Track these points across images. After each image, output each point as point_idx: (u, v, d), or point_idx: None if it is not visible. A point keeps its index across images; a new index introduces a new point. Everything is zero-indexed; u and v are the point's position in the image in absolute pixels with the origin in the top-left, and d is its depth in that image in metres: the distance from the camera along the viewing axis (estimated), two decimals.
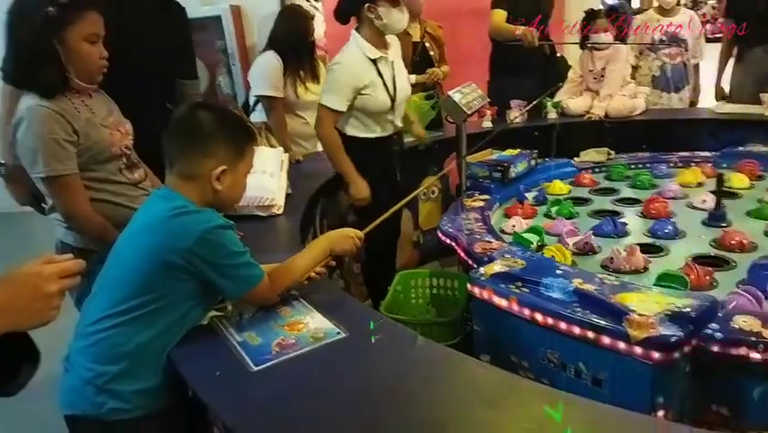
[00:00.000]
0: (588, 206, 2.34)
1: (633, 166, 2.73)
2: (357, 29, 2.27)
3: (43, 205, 1.74)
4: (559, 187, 2.51)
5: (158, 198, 1.22)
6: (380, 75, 2.25)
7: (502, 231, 2.08)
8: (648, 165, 2.72)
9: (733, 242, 1.78)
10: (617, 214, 2.17)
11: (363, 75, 2.22)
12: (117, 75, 1.59)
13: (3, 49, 1.52)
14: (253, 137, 1.30)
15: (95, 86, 1.59)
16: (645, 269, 1.70)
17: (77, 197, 1.52)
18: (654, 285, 1.50)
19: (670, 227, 1.93)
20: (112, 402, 1.12)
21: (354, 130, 2.34)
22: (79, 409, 1.15)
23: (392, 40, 2.37)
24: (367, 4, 2.17)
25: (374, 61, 2.24)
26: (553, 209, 2.22)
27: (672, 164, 2.74)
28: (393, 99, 2.30)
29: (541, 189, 2.54)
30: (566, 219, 2.09)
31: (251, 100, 2.93)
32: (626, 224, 2.04)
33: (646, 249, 1.79)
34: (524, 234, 1.91)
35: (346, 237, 1.40)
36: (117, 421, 1.12)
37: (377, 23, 2.19)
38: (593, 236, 1.89)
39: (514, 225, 2.10)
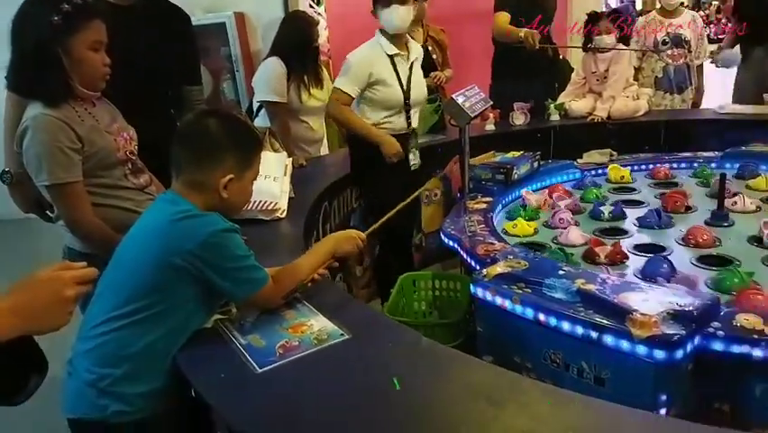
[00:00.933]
0: (631, 194, 2.43)
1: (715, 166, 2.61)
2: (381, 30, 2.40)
3: (48, 212, 1.76)
4: (621, 174, 2.60)
5: (163, 202, 1.24)
6: (396, 71, 2.31)
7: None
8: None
9: (690, 237, 1.86)
10: (641, 203, 2.28)
11: (377, 65, 2.32)
12: (121, 83, 1.61)
13: (8, 57, 1.54)
14: (260, 145, 1.32)
15: (98, 93, 1.61)
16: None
17: (81, 204, 1.54)
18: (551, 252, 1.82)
19: (653, 219, 2.02)
20: (115, 405, 1.13)
21: (369, 117, 2.41)
22: (82, 413, 1.16)
23: (415, 47, 2.48)
24: (372, 10, 2.31)
25: (391, 57, 2.32)
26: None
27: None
28: (407, 97, 2.35)
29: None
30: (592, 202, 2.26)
31: (255, 106, 2.95)
32: (624, 212, 2.14)
33: (612, 233, 2.00)
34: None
35: (349, 239, 1.41)
36: (121, 424, 1.13)
37: (381, 24, 2.32)
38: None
39: (528, 199, 2.30)
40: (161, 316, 1.15)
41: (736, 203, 2.08)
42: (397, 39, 2.35)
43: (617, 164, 2.69)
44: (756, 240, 1.80)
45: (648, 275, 1.61)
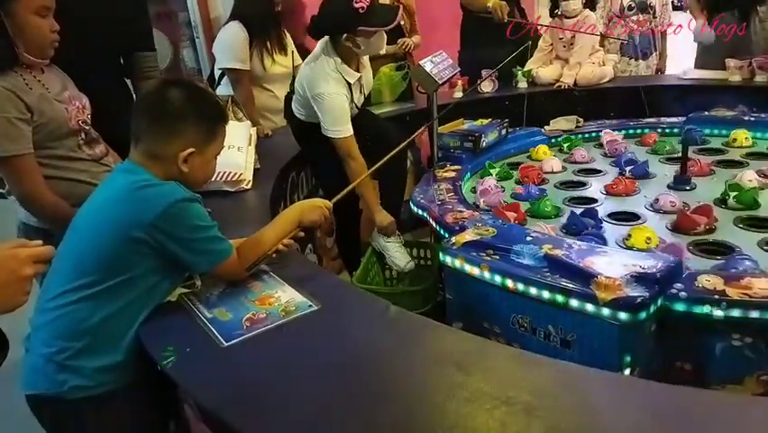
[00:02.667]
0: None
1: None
2: (332, 41, 2.13)
3: None
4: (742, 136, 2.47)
5: (121, 172, 1.19)
6: (351, 94, 2.19)
7: None
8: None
9: (610, 186, 2.06)
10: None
11: (347, 96, 2.17)
12: (69, 50, 1.53)
13: None
14: (225, 118, 1.26)
15: (46, 60, 1.52)
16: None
17: (31, 178, 1.47)
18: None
19: (621, 168, 2.24)
20: (74, 380, 1.09)
21: (312, 119, 2.24)
22: (41, 388, 1.12)
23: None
24: (345, 35, 2.06)
25: (350, 84, 2.17)
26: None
27: None
28: (358, 108, 2.28)
29: None
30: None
31: (217, 73, 2.85)
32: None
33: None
34: None
35: (315, 208, 1.38)
36: (80, 399, 1.10)
37: (355, 50, 2.10)
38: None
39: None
40: (120, 288, 1.11)
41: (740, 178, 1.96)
42: (353, 57, 2.16)
43: (745, 129, 2.47)
44: (652, 203, 1.87)
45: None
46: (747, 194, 1.78)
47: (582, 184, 2.18)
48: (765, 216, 1.71)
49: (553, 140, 2.71)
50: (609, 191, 2.03)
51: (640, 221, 1.76)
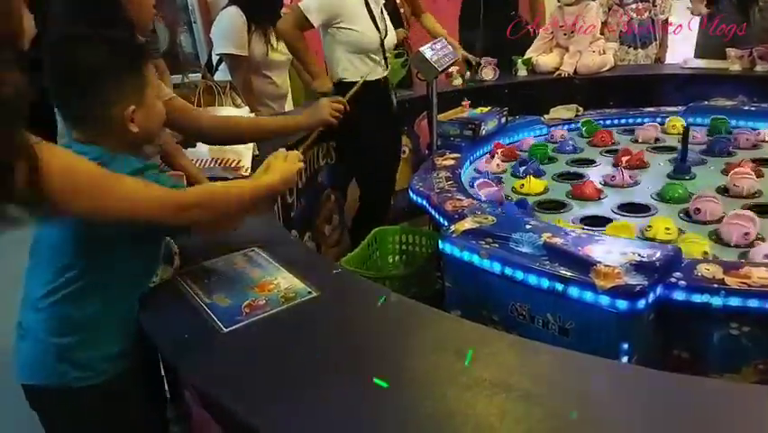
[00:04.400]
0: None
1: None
2: None
3: None
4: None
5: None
6: (369, 9, 2.20)
7: None
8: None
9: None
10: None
11: (349, 5, 2.20)
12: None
13: None
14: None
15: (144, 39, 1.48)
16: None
17: None
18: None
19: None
20: (75, 371, 1.09)
21: (344, 72, 2.33)
22: (41, 379, 1.11)
23: None
24: None
25: None
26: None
27: None
28: (382, 36, 2.29)
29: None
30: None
31: (214, 59, 2.82)
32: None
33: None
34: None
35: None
36: (81, 388, 1.09)
37: None
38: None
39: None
40: (100, 279, 1.08)
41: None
42: None
43: None
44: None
45: None
46: (668, 188, 1.85)
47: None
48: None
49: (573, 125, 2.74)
50: (615, 160, 2.22)
51: (581, 179, 2.04)
